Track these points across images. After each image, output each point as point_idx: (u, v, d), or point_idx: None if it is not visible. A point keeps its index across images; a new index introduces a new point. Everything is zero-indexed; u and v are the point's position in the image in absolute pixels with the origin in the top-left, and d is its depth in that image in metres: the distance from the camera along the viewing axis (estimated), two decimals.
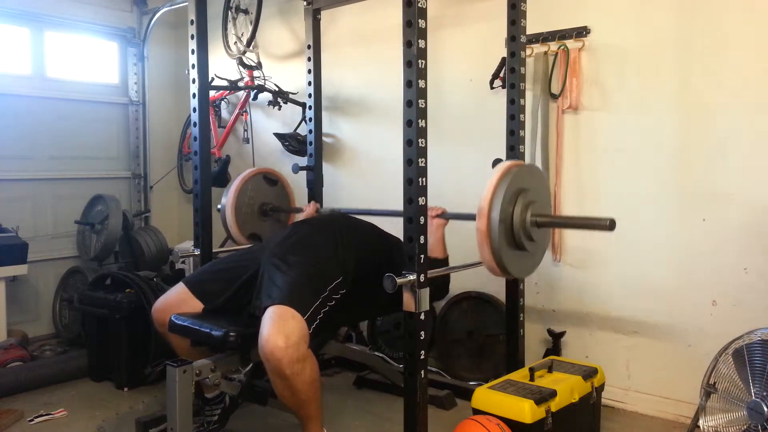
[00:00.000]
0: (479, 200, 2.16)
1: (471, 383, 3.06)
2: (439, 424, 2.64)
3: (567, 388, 2.29)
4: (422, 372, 2.16)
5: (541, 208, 2.29)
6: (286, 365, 2.08)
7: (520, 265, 2.29)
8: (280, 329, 2.11)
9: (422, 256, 2.13)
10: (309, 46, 3.59)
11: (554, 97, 3.01)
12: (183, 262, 3.95)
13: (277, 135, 3.92)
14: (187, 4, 2.97)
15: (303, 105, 3.74)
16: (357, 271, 2.51)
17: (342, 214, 3.11)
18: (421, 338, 2.14)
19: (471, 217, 2.23)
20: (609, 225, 2.08)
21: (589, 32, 2.92)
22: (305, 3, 3.59)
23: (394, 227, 2.63)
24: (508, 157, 2.64)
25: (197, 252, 2.94)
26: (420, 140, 2.12)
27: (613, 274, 2.92)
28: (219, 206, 3.27)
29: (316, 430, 2.29)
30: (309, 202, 3.47)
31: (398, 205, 2.17)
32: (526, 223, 2.22)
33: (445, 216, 2.64)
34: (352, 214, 2.99)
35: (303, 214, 3.21)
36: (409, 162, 2.13)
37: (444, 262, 2.62)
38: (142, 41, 4.73)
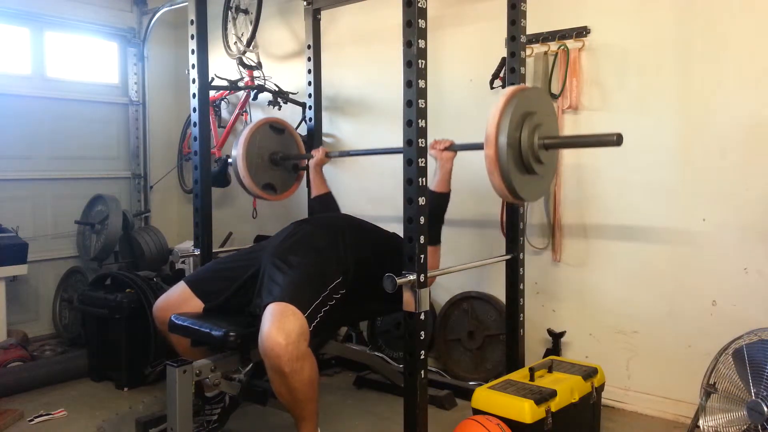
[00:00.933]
0: (486, 127, 2.16)
1: (471, 383, 3.06)
2: (439, 424, 2.64)
3: (567, 388, 2.29)
4: (422, 372, 2.16)
5: (548, 130, 2.30)
6: (286, 362, 2.08)
7: (530, 188, 2.31)
8: (281, 326, 2.11)
9: (422, 256, 2.13)
10: (309, 46, 3.59)
11: (554, 97, 3.01)
12: (183, 262, 3.96)
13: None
14: (187, 4, 2.97)
15: (303, 105, 3.74)
16: (357, 271, 2.51)
17: (342, 214, 3.11)
18: (421, 338, 2.14)
19: (479, 147, 2.23)
20: (616, 140, 2.09)
21: (589, 32, 2.92)
22: (305, 3, 3.59)
23: (395, 227, 2.63)
24: None
25: (197, 252, 2.94)
26: (420, 140, 2.12)
27: (613, 274, 2.92)
28: (230, 159, 3.26)
29: (311, 431, 2.28)
30: (307, 211, 3.48)
31: (398, 204, 2.17)
32: (534, 145, 2.22)
33: (454, 148, 2.61)
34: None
35: (313, 161, 3.20)
36: (409, 162, 2.13)
37: (447, 196, 2.61)
38: (142, 41, 4.74)
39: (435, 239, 2.58)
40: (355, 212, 3.22)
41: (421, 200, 2.13)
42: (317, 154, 3.20)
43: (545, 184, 2.45)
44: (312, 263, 2.43)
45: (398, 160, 2.18)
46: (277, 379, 2.15)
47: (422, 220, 2.13)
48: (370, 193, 3.77)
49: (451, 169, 2.61)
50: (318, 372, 2.24)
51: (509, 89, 2.27)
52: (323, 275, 2.40)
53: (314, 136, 3.60)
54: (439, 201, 2.57)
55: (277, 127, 3.37)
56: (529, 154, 2.22)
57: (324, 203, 3.17)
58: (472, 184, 3.12)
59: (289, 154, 3.38)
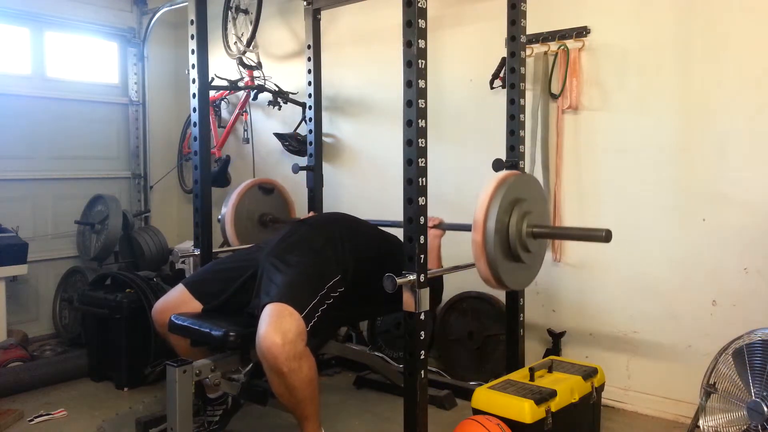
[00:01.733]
0: (474, 211, 2.16)
1: (471, 383, 3.06)
2: (439, 424, 2.64)
3: (567, 388, 2.29)
4: (422, 372, 2.16)
5: (538, 218, 2.29)
6: (283, 362, 2.08)
7: (516, 276, 2.29)
8: (277, 326, 2.11)
9: (422, 256, 2.13)
10: (309, 46, 3.59)
11: (554, 97, 3.01)
12: (183, 262, 3.96)
13: (277, 135, 3.93)
14: (187, 4, 2.97)
15: (303, 105, 3.74)
16: (356, 271, 2.51)
17: (341, 214, 3.11)
18: (421, 338, 2.14)
19: (468, 228, 2.23)
20: (605, 236, 2.09)
21: (589, 32, 2.92)
22: (305, 3, 3.59)
23: (395, 228, 2.63)
24: (508, 157, 2.64)
25: (197, 252, 2.94)
26: (420, 140, 2.12)
27: (613, 274, 2.92)
28: (219, 217, 3.27)
29: (314, 429, 2.28)
30: (309, 211, 3.47)
31: (398, 204, 2.17)
32: (522, 233, 2.21)
33: (442, 227, 2.64)
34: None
35: None
36: (409, 162, 2.13)
37: (439, 278, 2.60)
38: (142, 41, 4.74)
39: (435, 299, 2.57)
40: (354, 211, 3.22)
41: (421, 200, 2.13)
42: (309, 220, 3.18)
43: (532, 274, 2.41)
44: (310, 263, 2.43)
45: (398, 160, 2.17)
46: (275, 380, 2.15)
47: (422, 220, 2.13)
48: (370, 193, 3.77)
49: (440, 246, 2.63)
50: (317, 371, 2.24)
51: (500, 175, 2.24)
52: (321, 275, 2.40)
53: (314, 137, 3.60)
54: (432, 283, 2.54)
55: (266, 188, 3.37)
56: (517, 242, 2.20)
57: None
58: (472, 182, 3.12)
59: (278, 217, 3.37)
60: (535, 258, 2.34)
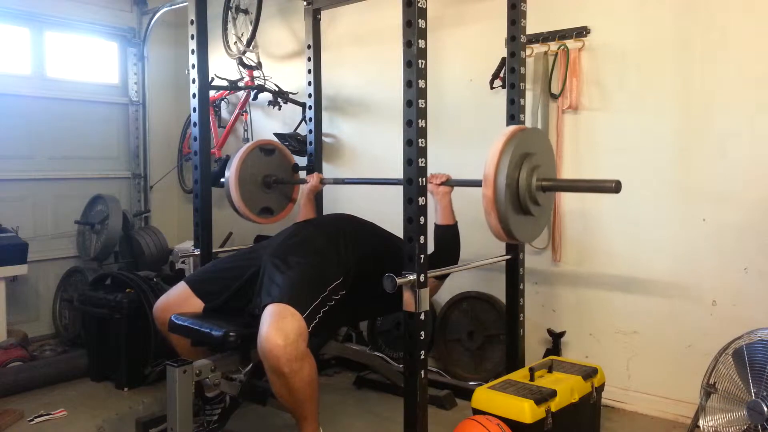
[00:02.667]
0: (484, 166, 2.16)
1: (471, 383, 3.06)
2: (439, 424, 2.64)
3: (567, 388, 2.29)
4: (422, 372, 2.16)
5: (546, 172, 2.29)
6: (284, 363, 2.08)
7: (525, 229, 2.30)
8: (279, 327, 2.11)
9: (422, 256, 2.13)
10: (309, 46, 3.59)
11: (554, 97, 3.01)
12: (183, 262, 3.96)
13: (277, 135, 3.92)
14: (187, 4, 2.97)
15: (303, 105, 3.74)
16: (358, 272, 2.51)
17: (344, 214, 3.11)
18: (421, 338, 2.14)
19: (476, 183, 2.23)
20: (614, 187, 2.08)
21: (589, 32, 2.91)
22: (305, 3, 3.59)
23: (394, 227, 2.63)
24: None
25: (197, 252, 2.95)
26: (420, 140, 2.12)
27: (613, 274, 2.92)
28: (222, 180, 3.24)
29: (312, 430, 2.28)
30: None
31: (398, 204, 2.17)
32: (532, 187, 2.21)
33: (450, 183, 2.62)
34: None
35: (307, 186, 3.17)
36: (409, 162, 2.13)
37: (454, 227, 2.62)
38: (142, 41, 4.73)
39: (442, 276, 2.58)
40: (354, 210, 3.22)
41: (421, 200, 2.13)
42: (312, 179, 3.16)
43: (541, 225, 2.42)
44: (312, 264, 2.43)
45: (398, 160, 2.17)
46: (276, 380, 2.15)
47: (422, 220, 2.13)
48: (370, 193, 3.76)
49: (450, 202, 2.62)
50: (317, 372, 2.24)
51: (510, 129, 2.24)
52: (323, 276, 2.40)
53: (314, 137, 3.60)
54: (447, 233, 2.58)
55: (267, 149, 3.34)
56: (527, 195, 2.21)
57: None
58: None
59: (282, 178, 3.36)
60: (543, 210, 2.34)
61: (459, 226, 2.66)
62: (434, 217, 2.58)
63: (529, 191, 2.21)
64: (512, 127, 2.26)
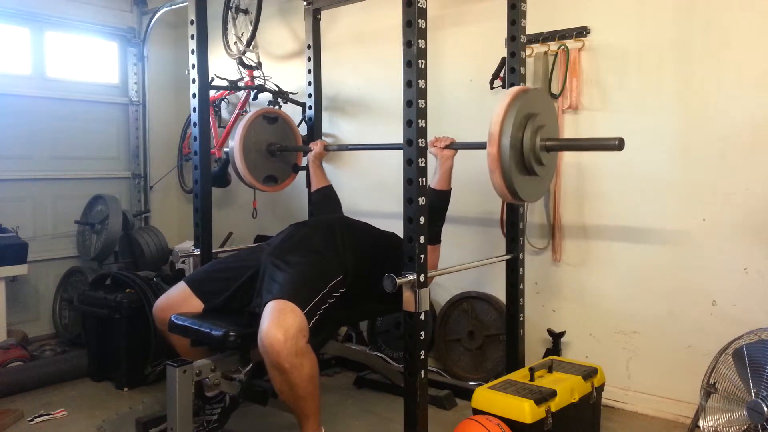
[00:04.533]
0: (489, 126, 2.16)
1: (471, 383, 3.06)
2: (439, 424, 2.64)
3: (567, 388, 2.29)
4: (422, 372, 2.16)
5: (550, 132, 2.31)
6: (285, 358, 2.09)
7: (530, 189, 2.32)
8: (280, 323, 2.12)
9: (422, 256, 2.13)
10: (309, 46, 3.59)
11: (554, 97, 3.01)
12: (183, 262, 3.95)
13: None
14: (187, 4, 2.97)
15: (303, 105, 3.74)
16: (357, 271, 2.52)
17: (339, 216, 3.11)
18: (421, 338, 2.14)
19: (481, 146, 2.25)
20: (618, 144, 2.10)
21: (589, 32, 2.91)
22: (305, 3, 3.59)
23: (395, 226, 2.63)
24: None
25: (197, 252, 2.95)
26: (420, 140, 2.12)
27: (613, 274, 2.92)
28: (226, 149, 3.24)
29: (314, 429, 2.28)
30: (308, 210, 3.47)
31: (398, 204, 2.17)
32: (536, 147, 2.23)
33: (454, 146, 2.62)
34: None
35: (312, 154, 3.20)
36: (409, 162, 2.13)
37: (448, 194, 2.62)
38: (142, 41, 4.73)
39: (435, 238, 2.58)
40: (353, 209, 3.23)
41: (421, 200, 2.13)
42: (315, 147, 3.20)
43: (544, 185, 2.46)
44: (311, 262, 2.44)
45: (397, 158, 2.17)
46: (277, 376, 2.15)
47: (422, 220, 2.13)
48: (370, 193, 3.77)
49: (452, 167, 2.62)
50: (318, 369, 2.24)
51: (513, 89, 2.27)
52: (323, 274, 2.41)
53: (314, 137, 3.60)
54: (439, 198, 2.58)
55: (270, 117, 3.34)
56: (531, 155, 2.23)
57: (325, 196, 3.19)
58: (472, 184, 3.12)
59: (286, 145, 3.37)
60: (547, 170, 2.36)
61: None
62: (431, 179, 2.53)
63: (533, 151, 2.23)
64: (516, 88, 2.29)
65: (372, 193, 3.75)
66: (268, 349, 2.10)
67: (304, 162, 3.61)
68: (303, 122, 3.76)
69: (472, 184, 3.12)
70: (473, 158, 3.22)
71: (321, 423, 2.32)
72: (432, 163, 2.45)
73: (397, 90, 2.14)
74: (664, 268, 2.78)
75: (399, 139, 2.15)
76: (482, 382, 2.66)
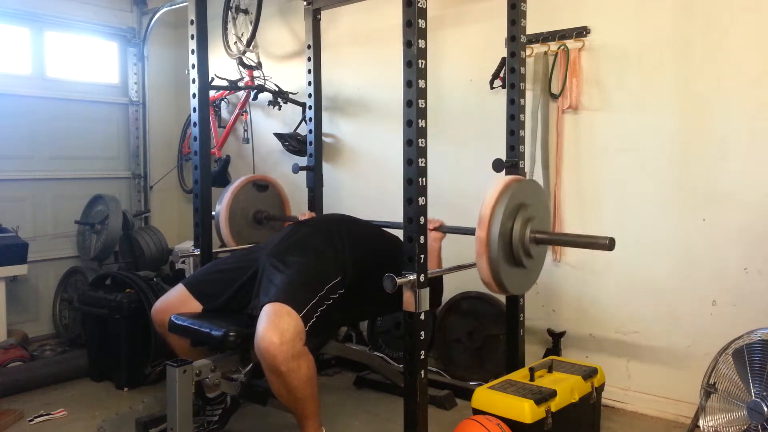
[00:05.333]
0: (478, 215, 2.17)
1: (471, 383, 3.06)
2: (439, 424, 2.64)
3: (567, 388, 2.29)
4: (422, 372, 2.16)
5: (541, 224, 2.30)
6: (281, 362, 2.09)
7: (516, 281, 2.30)
8: (276, 326, 2.11)
9: (422, 256, 2.13)
10: (309, 46, 3.59)
11: (554, 97, 3.01)
12: (183, 262, 3.95)
13: (277, 135, 3.93)
14: (187, 4, 2.97)
15: (303, 105, 3.74)
16: (356, 271, 2.51)
17: (341, 215, 3.11)
18: (421, 338, 2.14)
19: (470, 231, 2.23)
20: (608, 244, 2.11)
21: (589, 32, 2.91)
22: (305, 3, 3.59)
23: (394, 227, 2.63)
24: (508, 157, 2.64)
25: (197, 252, 2.94)
26: (420, 140, 2.12)
27: (613, 274, 2.92)
28: (213, 213, 3.25)
29: (314, 429, 2.28)
30: (308, 208, 3.46)
31: (398, 204, 2.17)
32: (526, 239, 2.22)
33: (443, 229, 2.64)
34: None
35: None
36: (409, 162, 2.13)
37: (439, 279, 2.61)
38: (142, 41, 4.74)
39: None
40: (352, 209, 3.22)
41: (421, 200, 2.13)
42: (303, 218, 3.15)
43: (531, 279, 2.42)
44: (309, 263, 2.44)
45: (398, 160, 2.17)
46: (274, 379, 2.15)
47: (422, 220, 2.13)
48: (370, 193, 3.77)
49: (440, 249, 2.64)
50: (316, 370, 2.24)
51: (506, 178, 2.26)
52: (321, 275, 2.40)
53: (314, 137, 3.60)
54: (431, 283, 2.54)
55: (260, 185, 3.35)
56: (520, 246, 2.22)
57: None
58: (473, 184, 3.12)
59: (272, 215, 3.35)
60: (536, 263, 2.35)
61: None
62: None
63: (523, 243, 2.22)
64: (509, 177, 2.28)
65: (372, 195, 3.75)
66: (265, 353, 2.10)
67: (303, 162, 3.62)
68: (303, 122, 3.77)
69: (472, 183, 3.12)
70: (475, 157, 3.23)
71: (321, 423, 2.32)
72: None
73: (397, 90, 2.14)
74: (664, 269, 2.78)
75: (399, 139, 2.15)
76: (482, 382, 2.66)
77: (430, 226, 2.59)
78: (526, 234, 2.22)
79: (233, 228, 3.21)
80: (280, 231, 2.75)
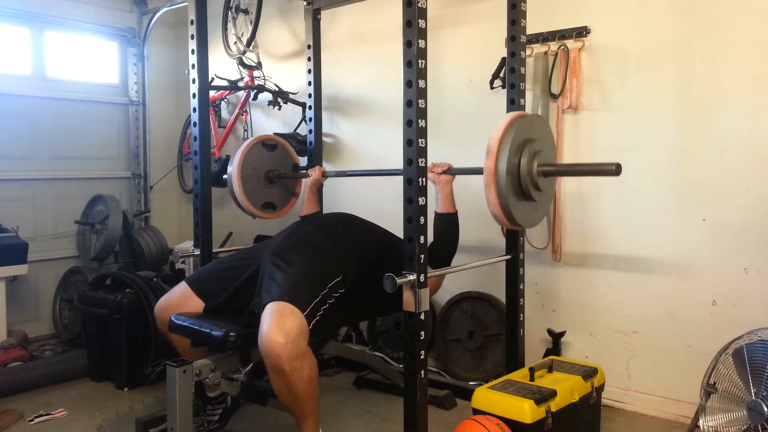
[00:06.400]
0: (485, 154, 2.17)
1: (471, 383, 3.06)
2: (439, 424, 2.64)
3: (567, 388, 2.29)
4: (422, 372, 2.16)
5: (547, 157, 2.30)
6: (285, 361, 2.09)
7: (527, 214, 2.32)
8: (280, 325, 2.11)
9: (422, 256, 2.13)
10: (309, 46, 3.59)
11: (554, 97, 3.01)
12: (183, 262, 3.95)
13: (277, 135, 3.92)
14: (187, 4, 2.97)
15: (303, 105, 3.74)
16: (357, 271, 2.51)
17: (344, 213, 3.11)
18: (421, 338, 2.14)
19: (478, 171, 2.24)
20: (615, 170, 2.09)
21: (589, 32, 2.92)
22: (305, 3, 3.59)
23: (394, 226, 2.63)
24: None
25: (197, 252, 2.95)
26: (420, 140, 2.12)
27: (613, 273, 2.92)
28: (225, 177, 3.25)
29: (312, 429, 2.28)
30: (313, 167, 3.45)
31: (398, 204, 2.17)
32: (533, 172, 2.23)
33: (451, 171, 2.63)
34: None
35: (309, 180, 3.15)
36: (409, 162, 2.13)
37: (454, 216, 2.63)
38: (142, 41, 4.74)
39: (440, 261, 2.58)
40: (353, 208, 3.22)
41: (421, 200, 2.13)
42: (314, 173, 3.13)
43: (542, 211, 2.44)
44: (312, 262, 2.44)
45: (398, 160, 2.17)
46: (277, 378, 2.15)
47: (422, 220, 2.13)
48: (370, 192, 3.77)
49: (451, 190, 2.63)
50: (318, 370, 2.24)
51: (510, 115, 2.26)
52: (323, 274, 2.40)
53: (314, 137, 3.60)
54: (447, 221, 2.60)
55: (269, 144, 3.33)
56: (528, 180, 2.22)
57: None
58: (473, 183, 3.12)
59: (284, 172, 3.35)
60: (544, 196, 2.36)
61: (462, 227, 2.66)
62: (435, 205, 2.58)
63: (531, 176, 2.22)
64: (513, 113, 2.28)
65: (371, 195, 3.75)
66: (269, 352, 2.10)
67: (303, 162, 3.62)
68: (303, 122, 3.77)
69: (472, 183, 3.12)
70: (475, 157, 3.22)
71: (319, 424, 2.32)
72: (431, 188, 2.44)
73: (397, 90, 2.14)
74: (664, 268, 2.78)
75: (399, 139, 2.15)
76: (482, 382, 2.66)
77: (437, 170, 2.61)
78: (534, 168, 2.23)
79: (246, 187, 3.18)
80: (282, 230, 2.75)
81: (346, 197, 3.85)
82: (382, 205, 3.56)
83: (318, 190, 3.24)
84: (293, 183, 3.41)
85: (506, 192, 2.15)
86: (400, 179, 2.16)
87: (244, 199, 3.16)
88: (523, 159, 2.21)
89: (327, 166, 3.80)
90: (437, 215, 2.61)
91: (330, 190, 3.75)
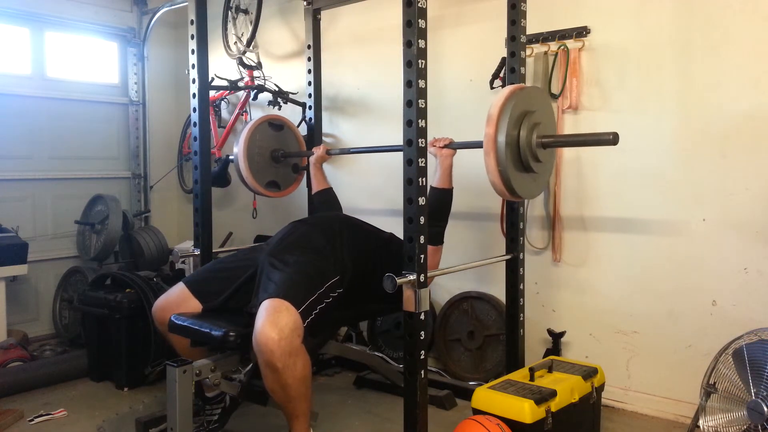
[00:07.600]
0: (485, 126, 2.18)
1: (471, 383, 3.06)
2: (439, 424, 2.64)
3: (567, 388, 2.29)
4: (422, 372, 2.16)
5: (547, 129, 2.32)
6: (278, 357, 2.09)
7: (527, 186, 2.34)
8: (274, 321, 2.12)
9: (422, 256, 2.13)
10: (309, 46, 3.59)
11: (554, 97, 3.01)
12: (183, 262, 3.95)
13: None
14: (187, 4, 2.97)
15: (303, 105, 3.74)
16: (355, 271, 2.52)
17: (340, 214, 3.12)
18: (421, 338, 2.14)
19: (478, 145, 2.26)
20: (612, 139, 2.12)
21: (589, 32, 2.91)
22: (305, 3, 3.59)
23: (394, 226, 2.63)
24: None
25: (197, 252, 2.95)
26: (420, 140, 2.12)
27: (613, 274, 2.92)
28: (231, 157, 3.28)
29: (303, 429, 2.28)
30: (308, 211, 3.48)
31: (398, 204, 2.17)
32: (533, 144, 2.25)
33: (453, 146, 2.63)
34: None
35: (314, 157, 3.24)
36: (409, 162, 2.13)
37: (450, 192, 2.62)
38: (142, 41, 4.74)
39: (436, 239, 2.57)
40: (352, 209, 3.23)
41: (421, 200, 2.13)
42: (318, 151, 3.23)
43: (542, 183, 2.48)
44: (308, 261, 2.44)
45: (397, 158, 2.17)
46: (269, 375, 2.15)
47: (422, 220, 2.13)
48: (370, 192, 3.77)
49: (451, 165, 2.62)
50: (311, 370, 2.24)
51: (509, 87, 2.29)
52: (320, 273, 2.41)
53: (314, 137, 3.60)
54: (441, 196, 2.58)
55: (276, 124, 3.38)
56: (528, 152, 2.25)
57: (325, 198, 3.19)
58: (472, 183, 3.12)
59: (289, 151, 3.39)
60: (544, 167, 2.38)
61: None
62: (432, 179, 2.55)
63: (530, 148, 2.25)
64: (512, 86, 2.30)
65: (372, 195, 3.75)
66: (263, 347, 2.10)
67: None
68: (303, 122, 3.77)
69: (473, 183, 3.12)
70: (474, 157, 3.22)
71: (310, 425, 2.32)
72: (432, 163, 2.46)
73: (397, 90, 2.14)
74: (664, 268, 2.78)
75: (399, 139, 2.15)
76: (482, 382, 2.66)
77: (439, 144, 2.62)
78: (533, 140, 2.25)
79: (253, 167, 3.23)
80: (280, 230, 2.75)
81: (346, 198, 3.84)
82: (381, 205, 3.56)
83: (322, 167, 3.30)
84: (297, 168, 3.47)
85: (506, 161, 2.18)
86: (399, 180, 2.16)
87: (250, 176, 3.22)
88: (522, 130, 2.23)
89: (327, 167, 3.79)
90: (433, 189, 2.56)
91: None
